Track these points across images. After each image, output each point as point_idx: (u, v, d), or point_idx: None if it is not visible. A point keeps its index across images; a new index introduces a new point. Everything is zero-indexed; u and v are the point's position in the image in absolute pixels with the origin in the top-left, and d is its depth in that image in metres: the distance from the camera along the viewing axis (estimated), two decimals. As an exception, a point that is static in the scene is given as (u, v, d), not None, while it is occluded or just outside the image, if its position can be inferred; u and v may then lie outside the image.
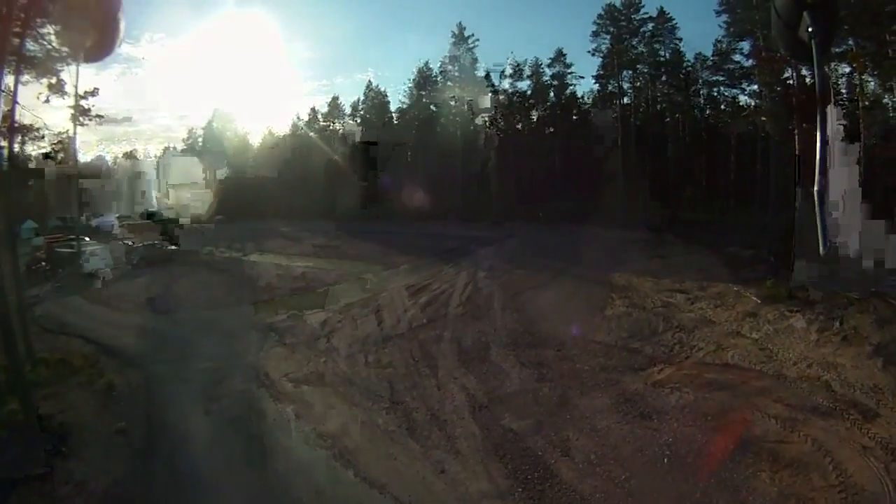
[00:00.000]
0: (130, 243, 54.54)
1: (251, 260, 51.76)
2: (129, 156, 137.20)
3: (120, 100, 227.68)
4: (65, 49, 23.43)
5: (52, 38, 23.01)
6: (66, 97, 39.23)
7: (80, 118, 44.20)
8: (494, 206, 66.73)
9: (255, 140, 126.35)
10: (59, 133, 51.34)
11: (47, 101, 33.85)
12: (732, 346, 22.72)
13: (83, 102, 33.66)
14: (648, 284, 32.63)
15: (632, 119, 71.13)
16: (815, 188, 3.68)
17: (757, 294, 28.66)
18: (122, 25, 4.77)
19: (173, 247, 55.81)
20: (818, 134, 4.04)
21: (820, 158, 3.86)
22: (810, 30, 3.54)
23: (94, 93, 33.10)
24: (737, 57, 65.83)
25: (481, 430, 17.56)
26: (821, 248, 3.61)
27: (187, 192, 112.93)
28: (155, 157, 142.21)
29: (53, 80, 29.39)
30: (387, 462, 16.27)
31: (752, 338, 23.57)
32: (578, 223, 60.20)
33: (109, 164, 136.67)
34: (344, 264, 44.95)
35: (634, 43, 72.57)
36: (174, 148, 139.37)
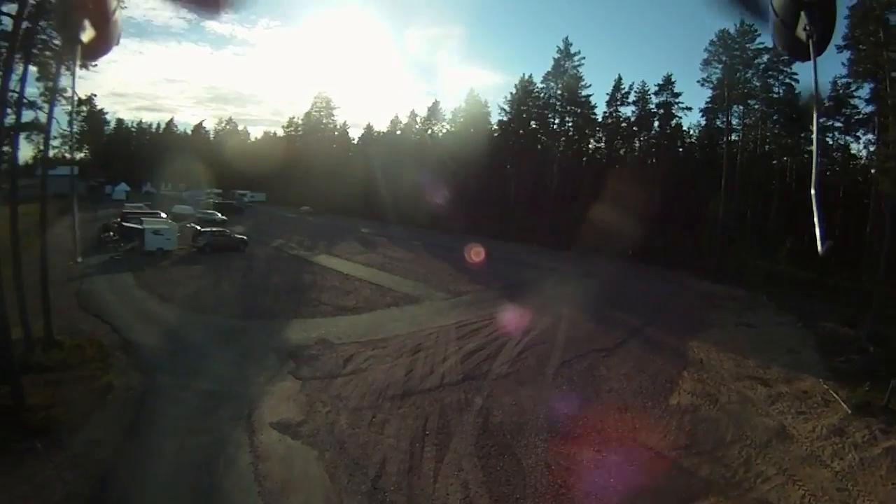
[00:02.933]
0: (199, 228, 53.29)
1: (316, 262, 50.23)
2: (232, 134, 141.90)
3: (232, 81, 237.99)
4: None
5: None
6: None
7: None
8: (582, 235, 63.00)
9: (355, 134, 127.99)
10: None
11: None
12: (807, 478, 17.93)
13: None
14: (729, 365, 28.36)
15: (738, 158, 66.18)
16: (812, 190, 3.22)
17: (848, 399, 24.02)
18: (119, 26, 3.51)
19: (242, 236, 54.25)
20: (814, 133, 4.05)
21: (816, 158, 3.60)
22: (807, 28, 3.23)
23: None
24: (856, 100, 61.40)
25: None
26: (819, 248, 3.10)
27: (278, 179, 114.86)
28: (255, 139, 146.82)
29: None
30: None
31: (832, 468, 18.61)
32: (668, 266, 57.57)
33: (212, 138, 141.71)
34: (406, 284, 42.69)
35: (748, 76, 67.60)
36: (274, 133, 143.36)
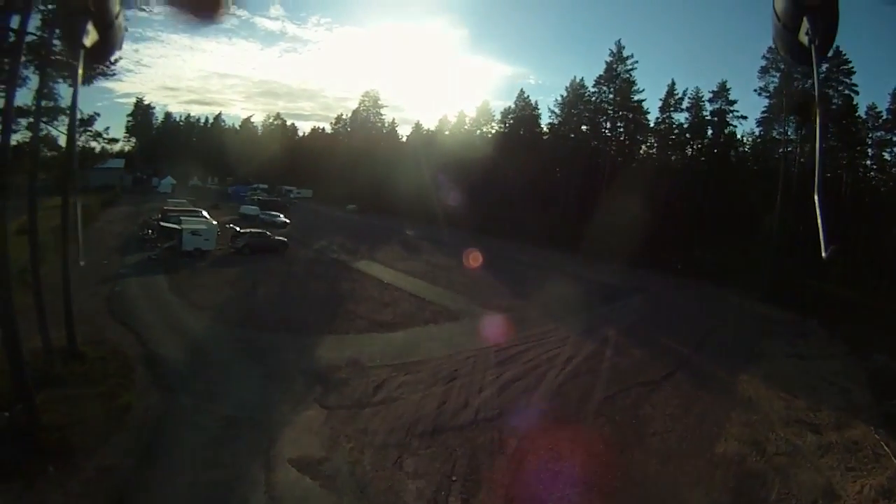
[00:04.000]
0: (238, 229, 53.10)
1: (357, 268, 49.37)
2: (280, 129, 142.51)
3: (283, 76, 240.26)
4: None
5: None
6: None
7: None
8: (630, 245, 60.42)
9: (403, 132, 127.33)
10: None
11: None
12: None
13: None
14: (778, 406, 26.18)
15: (794, 170, 63.17)
16: (815, 195, 3.26)
17: (898, 452, 21.75)
18: (122, 30, 3.06)
19: (282, 238, 53.96)
20: (817, 138, 3.82)
21: (819, 163, 3.66)
22: (809, 33, 3.29)
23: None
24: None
25: None
26: (823, 252, 3.20)
27: (325, 176, 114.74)
28: (303, 134, 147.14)
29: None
30: None
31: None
32: (717, 284, 55.92)
33: (260, 133, 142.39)
34: (446, 296, 41.33)
35: (807, 85, 63.77)
36: (322, 129, 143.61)
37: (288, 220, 72.86)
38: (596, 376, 28.01)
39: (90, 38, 3.41)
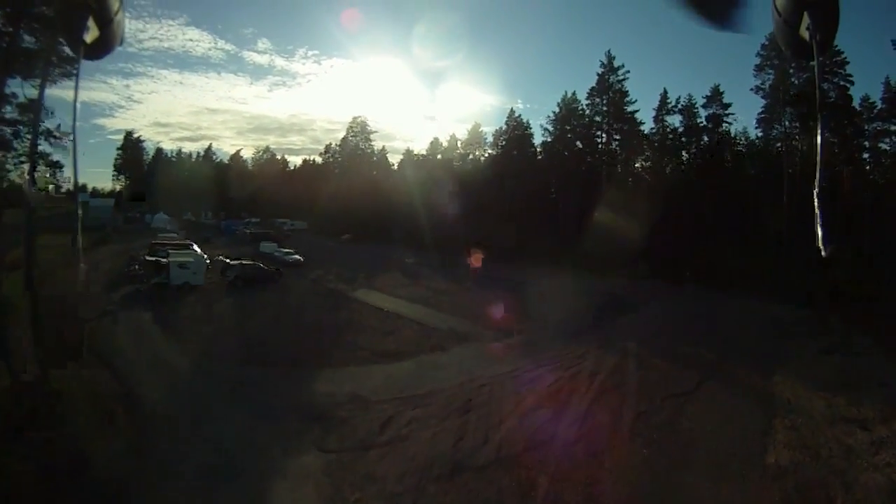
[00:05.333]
0: (228, 260, 50.63)
1: (355, 297, 46.51)
2: (270, 162, 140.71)
3: (272, 110, 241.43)
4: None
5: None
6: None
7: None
8: (633, 257, 59.19)
9: (394, 159, 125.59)
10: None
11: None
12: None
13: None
14: (819, 405, 24.39)
15: (798, 164, 62.35)
16: (815, 189, 3.24)
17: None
18: (122, 25, 3.35)
19: (276, 268, 51.71)
20: (818, 133, 4.05)
21: (819, 158, 3.64)
22: (810, 28, 3.21)
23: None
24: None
25: None
26: (823, 251, 3.05)
27: (318, 207, 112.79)
28: (294, 167, 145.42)
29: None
30: None
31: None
32: (728, 288, 53.61)
33: (250, 167, 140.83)
34: (451, 321, 38.59)
35: (803, 80, 63.25)
36: (313, 161, 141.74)
37: (301, 259, 68.38)
38: (623, 393, 25.82)
39: (90, 34, 3.35)
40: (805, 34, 3.20)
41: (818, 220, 3.01)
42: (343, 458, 18.26)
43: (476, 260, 54.34)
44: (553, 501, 16.44)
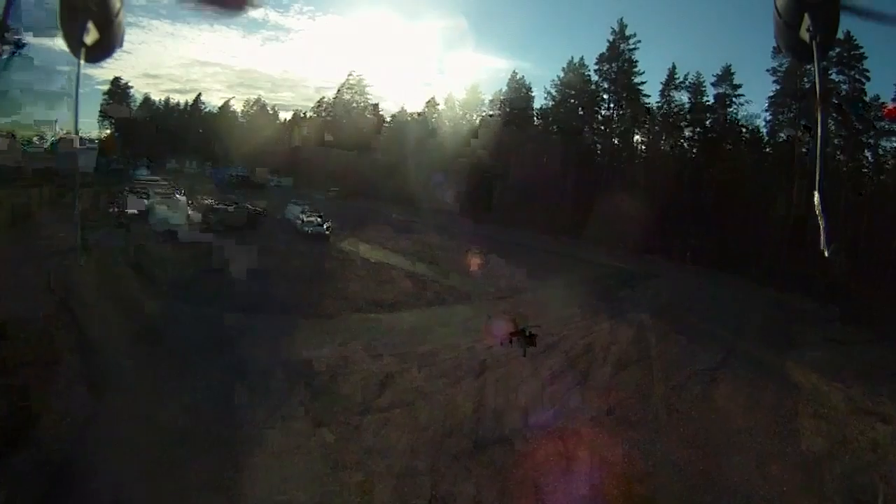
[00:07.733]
0: (212, 202, 48.73)
1: (342, 247, 43.87)
2: (260, 114, 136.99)
3: (265, 65, 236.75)
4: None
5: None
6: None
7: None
8: (633, 232, 57.62)
9: (388, 116, 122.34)
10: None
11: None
12: None
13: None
14: (837, 395, 23.59)
15: (806, 157, 60.79)
16: (816, 192, 3.24)
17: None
18: (122, 27, 3.74)
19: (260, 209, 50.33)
20: (819, 133, 3.91)
21: (820, 158, 3.87)
22: (811, 30, 3.27)
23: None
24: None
25: None
26: (826, 251, 3.18)
27: (307, 161, 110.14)
28: (285, 120, 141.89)
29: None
30: None
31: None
32: (726, 271, 54.09)
33: (240, 118, 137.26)
34: (450, 276, 36.28)
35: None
36: (304, 114, 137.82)
37: (330, 224, 62.82)
38: (647, 365, 24.05)
39: (90, 36, 3.37)
40: (805, 36, 3.19)
41: (820, 219, 2.99)
42: (335, 427, 14.98)
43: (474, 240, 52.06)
44: (600, 477, 13.68)
